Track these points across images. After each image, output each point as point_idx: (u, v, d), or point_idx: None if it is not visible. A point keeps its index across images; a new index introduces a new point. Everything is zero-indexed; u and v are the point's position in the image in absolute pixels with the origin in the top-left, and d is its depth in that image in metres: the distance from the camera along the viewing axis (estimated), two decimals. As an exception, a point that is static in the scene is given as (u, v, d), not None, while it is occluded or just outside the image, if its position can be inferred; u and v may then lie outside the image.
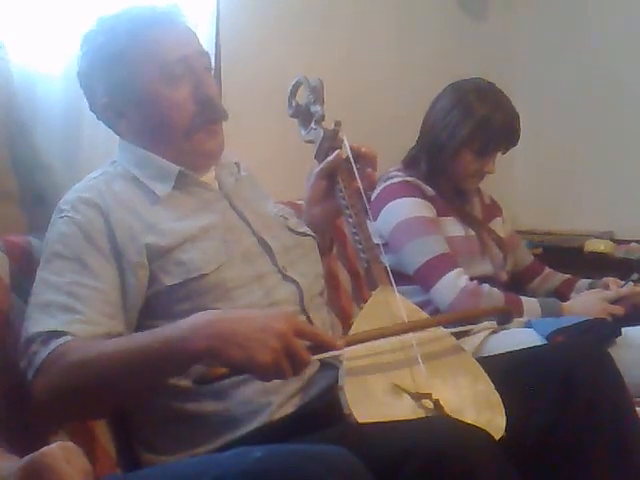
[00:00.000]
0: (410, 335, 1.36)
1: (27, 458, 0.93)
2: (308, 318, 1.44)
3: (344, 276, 2.07)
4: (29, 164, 1.71)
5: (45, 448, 0.93)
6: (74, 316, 1.30)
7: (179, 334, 1.21)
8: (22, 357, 1.30)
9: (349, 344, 1.28)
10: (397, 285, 1.46)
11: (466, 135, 2.15)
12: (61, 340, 1.27)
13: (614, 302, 2.09)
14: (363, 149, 1.55)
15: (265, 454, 1.02)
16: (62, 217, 1.39)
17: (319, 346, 1.24)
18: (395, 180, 2.18)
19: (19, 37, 1.68)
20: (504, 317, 1.57)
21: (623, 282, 2.18)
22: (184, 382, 1.34)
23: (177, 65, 1.43)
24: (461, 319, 1.62)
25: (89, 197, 1.40)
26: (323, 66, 2.19)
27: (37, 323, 1.30)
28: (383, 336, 1.32)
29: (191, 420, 1.35)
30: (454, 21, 3.10)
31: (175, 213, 1.43)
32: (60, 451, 0.93)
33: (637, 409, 1.50)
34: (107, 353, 1.25)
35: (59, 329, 1.28)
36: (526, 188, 3.34)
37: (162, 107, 1.44)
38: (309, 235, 1.58)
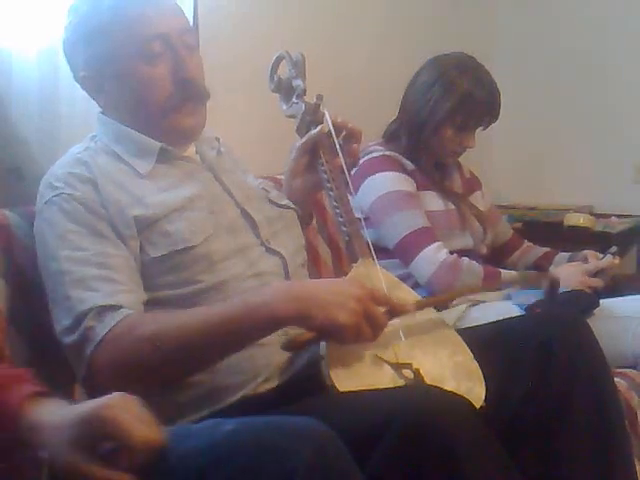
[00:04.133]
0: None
1: (87, 409, 0.92)
2: None
3: (324, 250, 2.07)
4: (5, 138, 1.70)
5: (105, 398, 0.92)
6: (116, 286, 1.31)
7: (263, 300, 1.24)
8: (71, 334, 1.30)
9: (418, 308, 1.34)
10: (378, 259, 1.46)
11: (448, 110, 2.15)
12: (123, 312, 1.28)
13: (593, 275, 2.11)
14: (350, 125, 1.55)
15: (235, 427, 1.02)
16: (58, 195, 1.38)
17: (391, 311, 1.28)
18: (375, 154, 2.18)
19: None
20: (552, 287, 1.55)
21: (602, 255, 2.19)
22: None
23: (156, 42, 1.41)
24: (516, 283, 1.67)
25: (80, 172, 1.39)
26: (305, 41, 2.18)
27: (83, 300, 1.30)
28: (449, 299, 1.37)
29: (176, 389, 1.35)
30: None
31: (160, 184, 1.43)
32: (121, 402, 0.92)
33: (615, 379, 1.52)
34: (186, 324, 1.26)
35: (109, 303, 1.28)
36: (506, 163, 3.35)
37: (139, 84, 1.42)
38: (291, 208, 1.58)
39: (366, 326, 1.22)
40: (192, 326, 1.26)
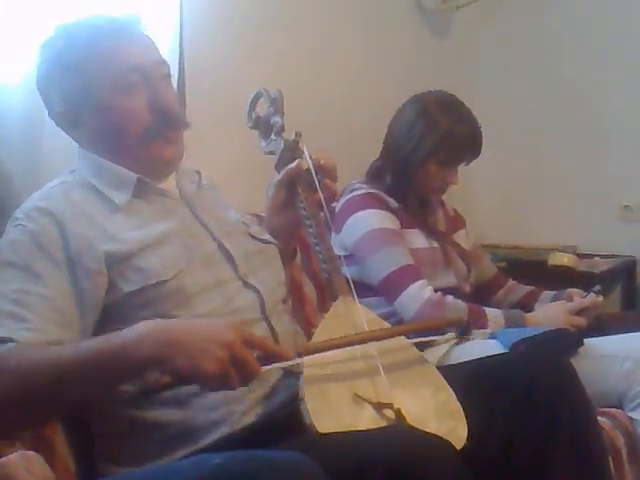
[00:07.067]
0: (372, 345, 1.35)
1: None
2: (270, 325, 1.43)
3: (309, 287, 2.06)
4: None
5: (4, 458, 0.92)
6: (21, 324, 1.28)
7: (123, 341, 1.19)
8: None
9: (301, 354, 1.27)
10: (362, 297, 1.46)
11: (430, 147, 2.16)
12: (6, 346, 1.24)
13: (577, 313, 2.11)
14: (322, 161, 1.55)
15: (223, 461, 1.01)
16: (16, 226, 1.39)
17: (270, 356, 1.22)
18: (359, 192, 2.19)
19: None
20: (462, 329, 1.52)
21: (586, 294, 2.19)
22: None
23: (132, 74, 1.43)
24: (416, 330, 1.59)
25: (44, 206, 1.39)
26: (287, 78, 2.19)
27: None
28: (336, 347, 1.30)
29: (151, 429, 1.34)
30: (418, 37, 3.13)
31: (135, 221, 1.42)
32: (20, 460, 0.91)
33: (599, 419, 1.51)
34: (49, 359, 1.21)
35: (2, 335, 1.26)
36: (490, 202, 3.37)
37: (117, 116, 1.43)
38: (271, 242, 1.58)
39: (234, 373, 1.16)
40: (54, 361, 1.21)
